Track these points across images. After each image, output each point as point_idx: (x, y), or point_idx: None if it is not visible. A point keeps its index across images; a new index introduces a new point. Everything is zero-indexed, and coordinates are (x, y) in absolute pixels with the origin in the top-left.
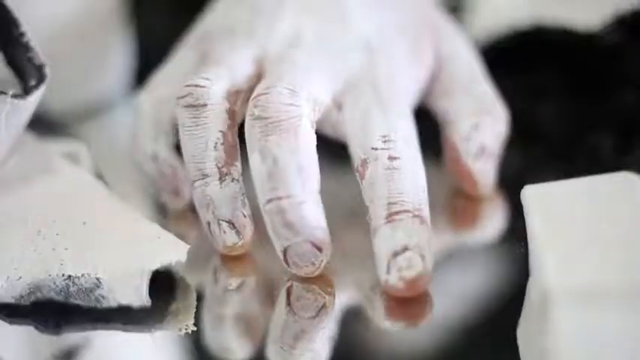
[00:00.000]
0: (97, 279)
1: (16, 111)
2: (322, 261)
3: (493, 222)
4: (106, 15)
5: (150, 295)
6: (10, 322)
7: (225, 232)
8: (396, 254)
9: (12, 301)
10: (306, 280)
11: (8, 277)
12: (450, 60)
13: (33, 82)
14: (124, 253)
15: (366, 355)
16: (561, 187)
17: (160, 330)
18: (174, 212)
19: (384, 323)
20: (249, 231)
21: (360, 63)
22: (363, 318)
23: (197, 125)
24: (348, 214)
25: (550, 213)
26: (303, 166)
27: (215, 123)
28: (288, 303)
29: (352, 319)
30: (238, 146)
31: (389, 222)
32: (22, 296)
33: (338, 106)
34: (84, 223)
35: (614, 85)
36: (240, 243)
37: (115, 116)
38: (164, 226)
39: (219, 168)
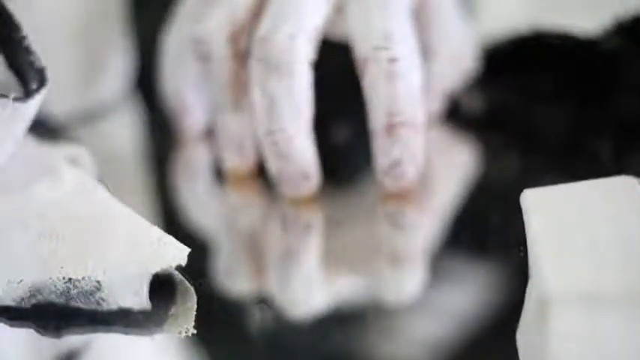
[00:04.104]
0: (98, 282)
1: (17, 114)
2: (309, 187)
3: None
4: (106, 18)
5: (150, 298)
6: (11, 325)
7: (232, 154)
8: (392, 166)
9: (12, 303)
10: (297, 200)
11: (9, 279)
12: None
13: (34, 86)
14: (125, 256)
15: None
16: (561, 191)
17: (160, 333)
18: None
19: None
20: (252, 155)
21: None
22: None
23: (209, 73)
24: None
25: (550, 217)
26: (297, 105)
27: (224, 70)
28: (281, 221)
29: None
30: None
31: (388, 135)
32: (22, 299)
33: (339, 9)
34: (85, 227)
35: (613, 91)
36: (243, 165)
37: (116, 120)
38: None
39: (233, 102)
